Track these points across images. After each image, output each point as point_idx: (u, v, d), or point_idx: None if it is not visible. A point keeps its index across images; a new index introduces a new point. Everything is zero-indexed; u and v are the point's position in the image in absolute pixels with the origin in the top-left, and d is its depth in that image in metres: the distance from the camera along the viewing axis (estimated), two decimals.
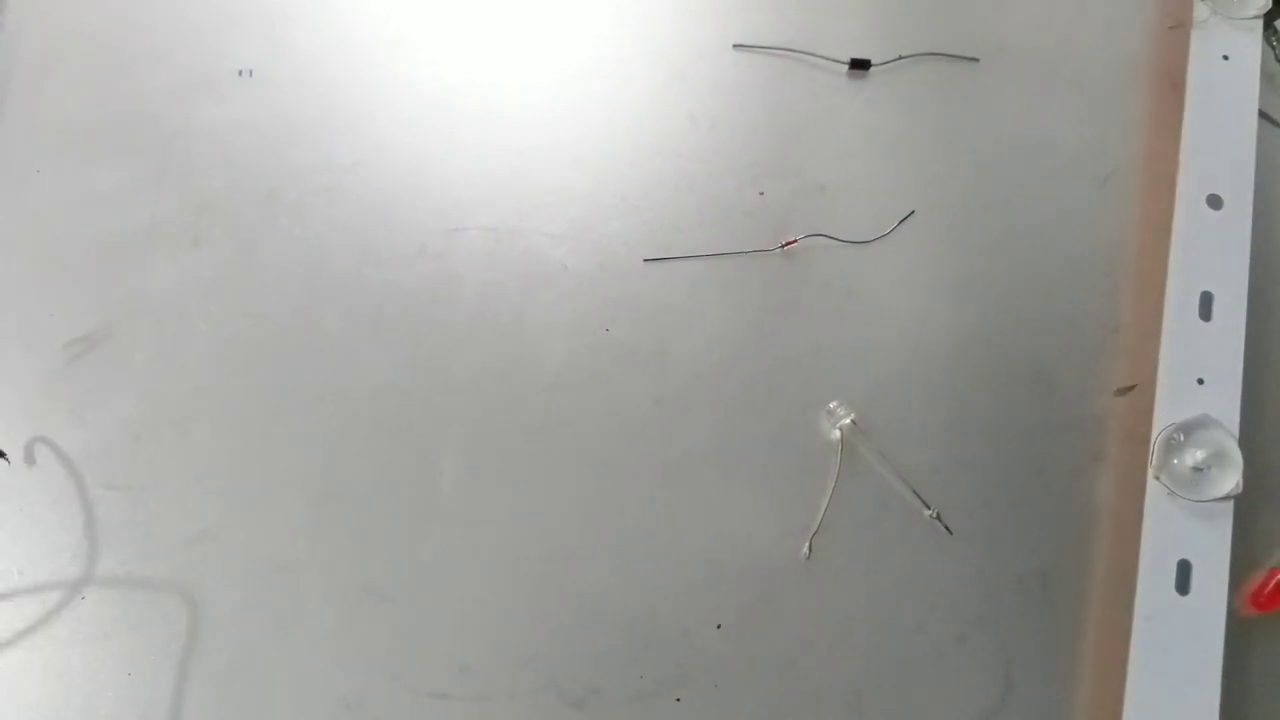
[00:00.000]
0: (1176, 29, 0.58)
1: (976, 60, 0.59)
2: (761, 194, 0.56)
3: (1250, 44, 0.57)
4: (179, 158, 0.57)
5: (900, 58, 0.58)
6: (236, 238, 0.55)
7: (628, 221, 0.55)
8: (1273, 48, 0.57)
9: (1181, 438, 0.49)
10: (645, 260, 0.54)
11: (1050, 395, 0.53)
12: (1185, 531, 0.48)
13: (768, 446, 0.51)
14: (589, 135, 0.57)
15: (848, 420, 0.51)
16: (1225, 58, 0.56)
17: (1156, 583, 0.47)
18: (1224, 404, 0.50)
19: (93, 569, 0.49)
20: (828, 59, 0.58)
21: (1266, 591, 0.49)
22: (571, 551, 0.49)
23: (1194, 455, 0.49)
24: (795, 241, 0.54)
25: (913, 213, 0.55)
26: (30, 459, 0.51)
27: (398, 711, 0.47)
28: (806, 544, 0.50)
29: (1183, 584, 0.47)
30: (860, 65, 0.58)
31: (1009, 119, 0.58)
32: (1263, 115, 0.56)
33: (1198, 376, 0.50)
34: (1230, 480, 0.48)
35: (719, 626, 0.48)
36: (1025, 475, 0.51)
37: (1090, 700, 0.48)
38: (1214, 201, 0.53)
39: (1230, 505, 0.48)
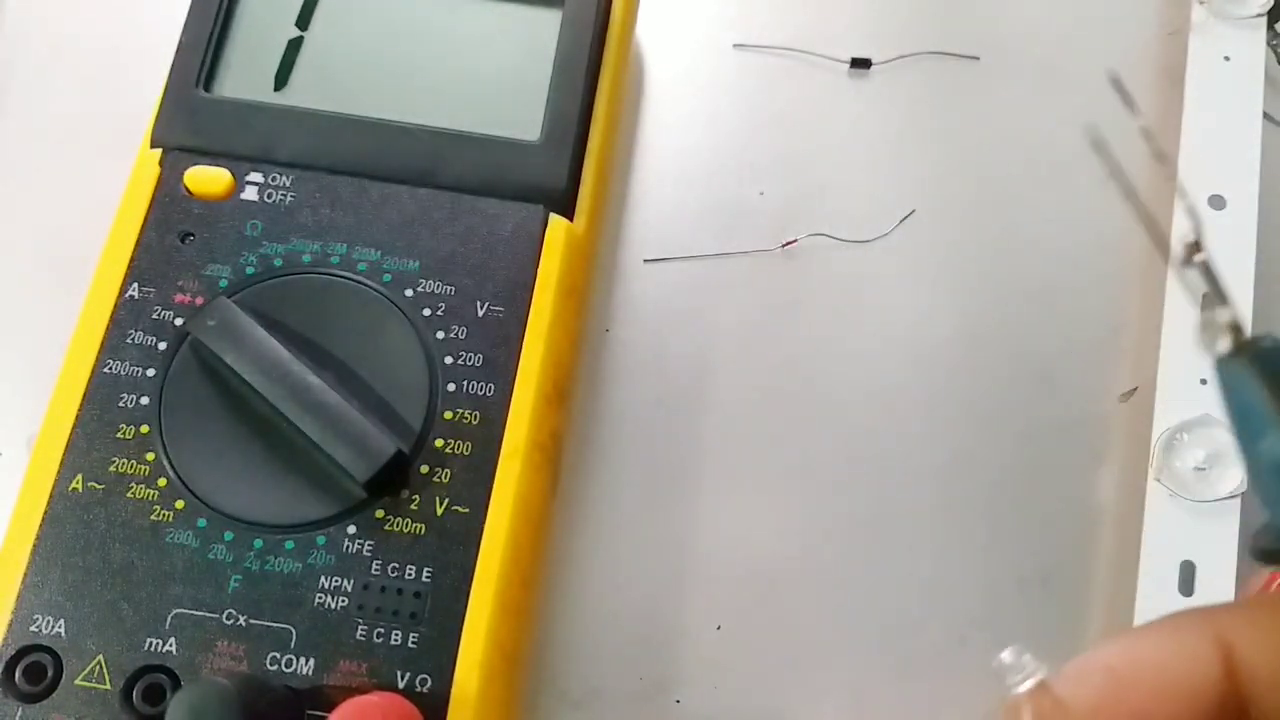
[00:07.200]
0: (1175, 34, 0.58)
1: (977, 59, 0.59)
2: (761, 194, 0.56)
3: (1252, 43, 0.57)
4: None
5: (901, 56, 0.58)
6: None
7: (628, 221, 0.55)
8: (1273, 48, 0.57)
9: (1183, 438, 0.49)
10: (645, 260, 0.54)
11: (1051, 395, 0.52)
12: (1188, 532, 0.48)
13: (767, 446, 0.51)
14: None
15: None
16: (1226, 58, 0.56)
17: (1158, 584, 0.47)
18: None
19: None
20: (828, 58, 0.58)
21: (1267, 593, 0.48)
22: (570, 551, 0.49)
23: (1195, 455, 0.48)
24: (796, 241, 0.54)
25: (914, 212, 0.55)
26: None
27: None
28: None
29: (1186, 586, 0.47)
30: (861, 64, 0.58)
31: (1011, 117, 0.57)
32: (1265, 116, 0.56)
33: (1200, 377, 0.50)
34: (1233, 479, 0.48)
35: (719, 627, 0.48)
36: (1025, 475, 0.51)
37: None
38: (1216, 202, 0.53)
39: (1236, 505, 0.48)
